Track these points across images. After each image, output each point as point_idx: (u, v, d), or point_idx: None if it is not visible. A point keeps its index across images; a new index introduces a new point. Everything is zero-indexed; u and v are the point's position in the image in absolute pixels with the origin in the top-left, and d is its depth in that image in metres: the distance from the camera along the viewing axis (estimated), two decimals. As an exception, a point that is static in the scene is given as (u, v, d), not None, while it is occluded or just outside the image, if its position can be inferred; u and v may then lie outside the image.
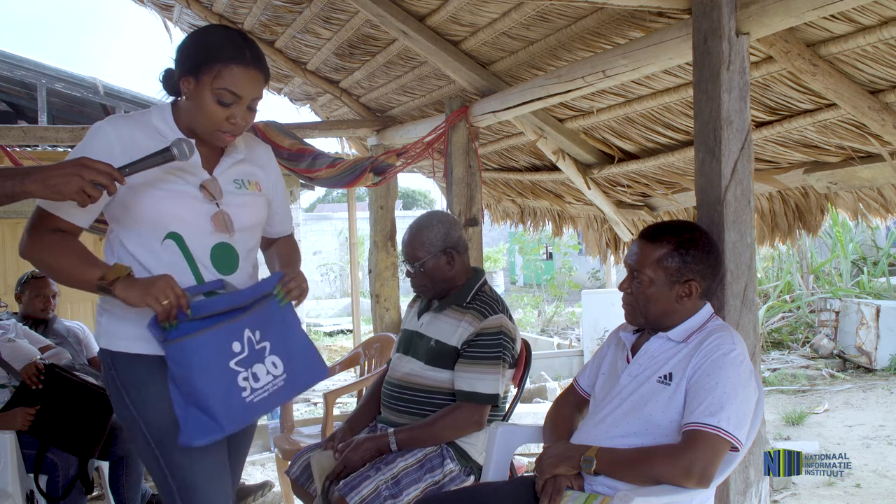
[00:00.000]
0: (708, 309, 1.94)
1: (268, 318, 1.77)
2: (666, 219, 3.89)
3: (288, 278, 1.83)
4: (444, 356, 2.40)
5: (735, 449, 1.75)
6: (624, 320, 2.04)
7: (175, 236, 1.73)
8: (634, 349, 1.98)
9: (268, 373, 1.74)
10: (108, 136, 1.70)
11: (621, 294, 1.99)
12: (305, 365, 1.84)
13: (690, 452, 1.70)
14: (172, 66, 1.81)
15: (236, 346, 1.69)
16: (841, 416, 5.68)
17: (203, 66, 1.70)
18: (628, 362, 1.97)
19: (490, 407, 2.36)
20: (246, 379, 1.70)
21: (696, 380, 1.78)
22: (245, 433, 1.98)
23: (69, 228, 1.72)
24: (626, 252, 3.25)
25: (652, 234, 1.94)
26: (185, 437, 1.67)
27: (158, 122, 1.77)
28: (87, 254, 1.71)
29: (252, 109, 1.77)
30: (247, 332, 1.71)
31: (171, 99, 1.84)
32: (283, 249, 2.05)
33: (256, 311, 1.75)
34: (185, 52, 1.75)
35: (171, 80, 1.82)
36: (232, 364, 1.69)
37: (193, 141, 1.75)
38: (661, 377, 1.86)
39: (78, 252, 1.70)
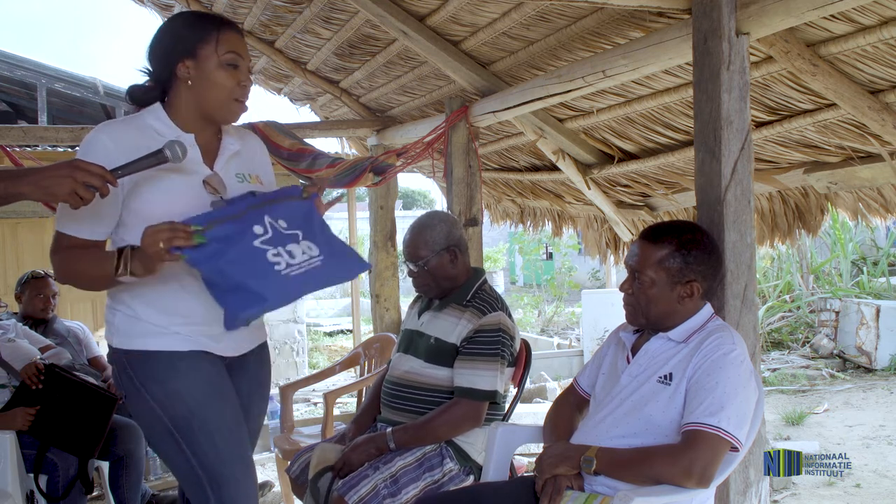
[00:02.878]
0: (708, 309, 1.94)
1: (292, 211, 1.76)
2: (666, 219, 3.90)
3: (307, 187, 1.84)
4: (444, 354, 2.41)
5: (735, 449, 1.75)
6: (624, 320, 2.04)
7: None
8: (634, 349, 1.98)
9: (303, 252, 1.73)
10: (104, 144, 1.69)
11: (622, 294, 1.99)
12: (342, 255, 1.81)
13: (690, 452, 1.70)
14: (149, 69, 1.80)
15: (258, 229, 1.69)
16: (841, 416, 5.68)
17: (199, 42, 1.72)
18: (628, 362, 1.97)
19: (488, 404, 2.36)
20: (277, 255, 1.68)
21: (697, 380, 1.78)
22: (252, 435, 1.97)
23: (87, 245, 1.72)
24: (626, 252, 3.25)
25: (653, 235, 1.93)
26: (229, 317, 1.61)
27: (154, 122, 1.77)
28: (99, 253, 1.72)
29: (250, 73, 1.82)
30: (267, 218, 1.71)
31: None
32: None
33: (276, 204, 1.75)
34: (172, 39, 1.77)
35: (146, 89, 1.81)
36: (256, 243, 1.68)
37: (192, 135, 1.76)
38: (661, 377, 1.86)
39: (90, 254, 1.71)
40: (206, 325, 1.76)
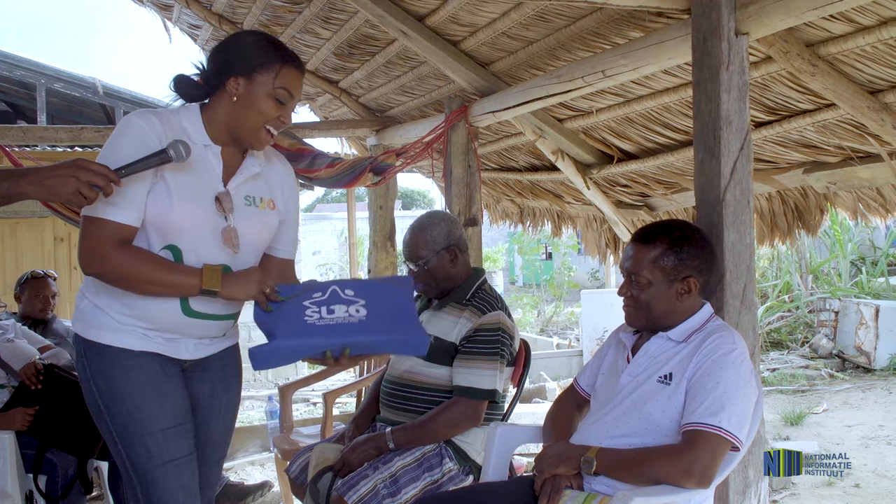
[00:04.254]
0: (708, 309, 1.94)
1: (376, 291, 1.85)
2: (665, 219, 3.90)
3: None
4: (443, 353, 2.40)
5: (735, 449, 1.75)
6: (624, 320, 2.04)
7: (173, 249, 1.73)
8: (634, 349, 1.98)
9: (346, 311, 1.77)
10: (142, 130, 1.69)
11: (622, 297, 1.99)
12: (403, 328, 1.81)
13: (691, 452, 1.70)
14: (202, 68, 1.81)
15: (317, 294, 1.78)
16: (840, 416, 5.68)
17: (260, 66, 1.74)
18: (628, 362, 1.97)
19: (487, 403, 2.36)
20: (316, 312, 1.76)
21: (697, 380, 1.78)
22: (221, 436, 1.97)
23: (128, 235, 1.69)
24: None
25: (644, 236, 1.94)
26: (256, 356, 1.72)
27: (186, 124, 1.76)
28: (167, 261, 1.72)
29: (293, 112, 1.84)
30: (333, 286, 1.80)
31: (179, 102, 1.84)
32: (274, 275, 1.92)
33: (363, 282, 1.85)
34: (236, 53, 1.76)
35: (193, 85, 1.81)
36: (305, 301, 1.77)
37: (220, 148, 1.78)
38: (661, 377, 1.86)
39: (160, 262, 1.71)
40: (165, 329, 1.77)
